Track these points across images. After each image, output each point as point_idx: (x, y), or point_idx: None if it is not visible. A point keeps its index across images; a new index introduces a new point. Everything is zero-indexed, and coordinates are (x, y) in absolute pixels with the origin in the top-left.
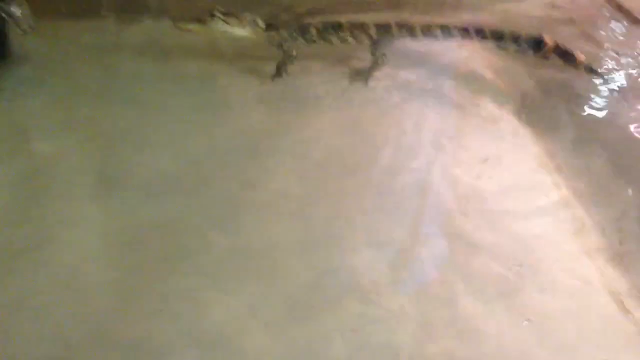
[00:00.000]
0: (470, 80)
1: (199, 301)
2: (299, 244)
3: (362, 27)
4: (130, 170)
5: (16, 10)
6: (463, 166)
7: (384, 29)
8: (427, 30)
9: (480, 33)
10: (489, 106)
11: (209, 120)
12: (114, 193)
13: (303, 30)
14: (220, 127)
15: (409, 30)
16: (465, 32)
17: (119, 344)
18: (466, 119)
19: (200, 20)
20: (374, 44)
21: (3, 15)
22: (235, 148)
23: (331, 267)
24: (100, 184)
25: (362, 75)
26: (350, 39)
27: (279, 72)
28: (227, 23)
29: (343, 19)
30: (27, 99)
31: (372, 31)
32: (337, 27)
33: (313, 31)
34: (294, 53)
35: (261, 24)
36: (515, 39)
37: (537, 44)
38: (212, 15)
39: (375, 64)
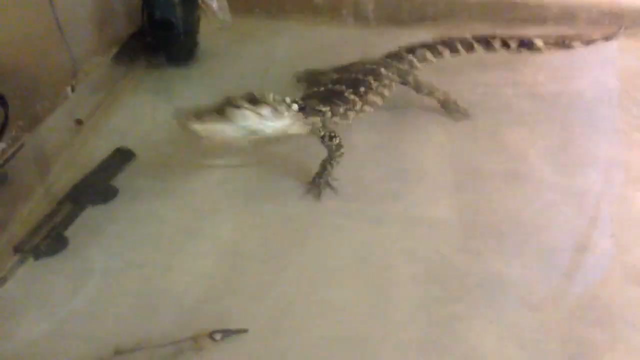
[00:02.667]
0: None
1: None
2: None
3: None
4: None
5: (213, 2)
6: None
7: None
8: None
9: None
10: None
11: None
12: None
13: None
14: None
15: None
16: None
17: None
18: None
19: (215, 114)
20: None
21: (201, 5)
22: None
23: None
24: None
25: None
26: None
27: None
28: (259, 114)
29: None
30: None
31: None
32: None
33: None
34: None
35: (294, 106)
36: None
37: None
38: (237, 106)
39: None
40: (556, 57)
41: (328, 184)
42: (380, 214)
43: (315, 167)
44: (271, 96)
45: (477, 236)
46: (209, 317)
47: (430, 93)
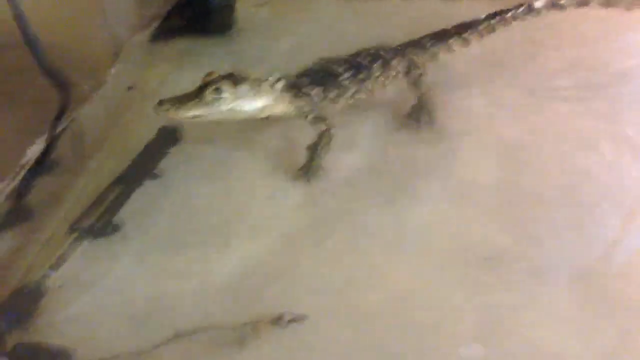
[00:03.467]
0: None
1: None
2: None
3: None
4: None
5: None
6: None
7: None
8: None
9: None
10: None
11: None
12: None
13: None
14: None
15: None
16: None
17: None
18: None
19: (193, 99)
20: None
21: None
22: None
23: None
24: None
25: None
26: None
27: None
28: (238, 95)
29: None
30: None
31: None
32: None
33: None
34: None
35: (278, 84)
36: None
37: None
38: (216, 89)
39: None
40: None
41: (319, 168)
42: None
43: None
44: (253, 75)
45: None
46: (266, 301)
47: (422, 95)
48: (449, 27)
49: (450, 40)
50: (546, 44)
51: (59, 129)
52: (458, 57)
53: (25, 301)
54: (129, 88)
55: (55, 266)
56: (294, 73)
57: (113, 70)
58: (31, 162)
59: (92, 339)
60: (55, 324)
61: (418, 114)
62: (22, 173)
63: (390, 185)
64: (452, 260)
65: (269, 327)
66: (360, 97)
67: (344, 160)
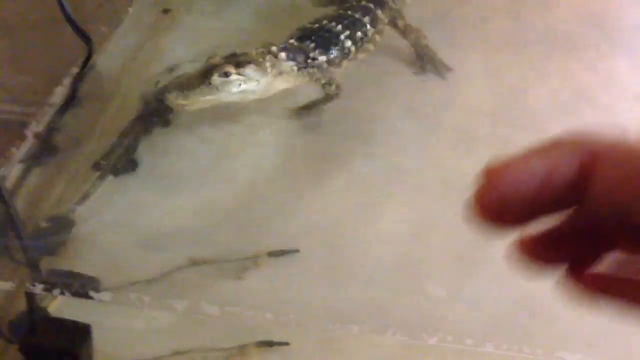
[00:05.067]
0: None
1: None
2: None
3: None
4: None
5: None
6: None
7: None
8: None
9: None
10: None
11: None
12: None
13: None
14: None
15: None
16: None
17: None
18: None
19: (199, 84)
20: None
21: None
22: None
23: None
24: None
25: None
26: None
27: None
28: (245, 76)
29: None
30: None
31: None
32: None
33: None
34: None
35: (282, 55)
36: None
37: None
38: (225, 73)
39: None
40: None
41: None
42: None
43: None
44: (254, 51)
45: None
46: (266, 236)
47: (417, 39)
48: None
49: None
50: None
51: (81, 71)
52: None
53: (55, 232)
54: (165, 11)
55: (80, 201)
56: (289, 35)
57: (130, 10)
58: (58, 103)
59: (115, 267)
60: (81, 253)
61: (422, 63)
62: (50, 112)
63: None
64: (441, 195)
65: (266, 259)
66: (360, 58)
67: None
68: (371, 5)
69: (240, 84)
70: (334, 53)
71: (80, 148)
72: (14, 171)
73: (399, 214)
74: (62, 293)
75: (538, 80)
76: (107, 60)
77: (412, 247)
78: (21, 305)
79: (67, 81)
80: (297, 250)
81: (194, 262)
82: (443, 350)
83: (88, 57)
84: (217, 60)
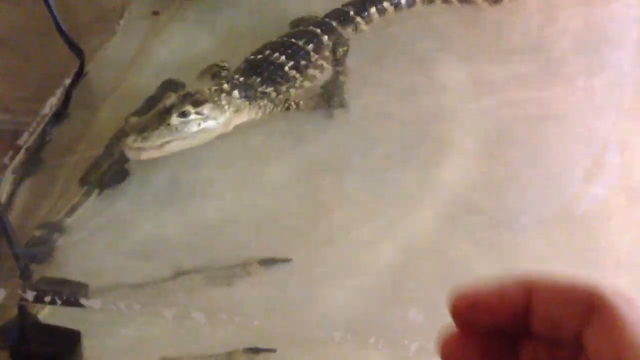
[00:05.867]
0: None
1: None
2: None
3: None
4: None
5: None
6: None
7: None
8: None
9: None
10: None
11: None
12: None
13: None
14: None
15: None
16: None
17: None
18: None
19: (158, 126)
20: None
21: None
22: None
23: None
24: None
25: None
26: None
27: None
28: (203, 116)
29: None
30: None
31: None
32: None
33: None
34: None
35: (235, 93)
36: None
37: None
38: (184, 113)
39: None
40: None
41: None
42: None
43: None
44: (207, 90)
45: None
46: (256, 246)
47: (342, 73)
48: None
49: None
50: None
51: (72, 82)
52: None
53: (44, 242)
54: (155, 13)
55: (69, 213)
56: (235, 70)
57: (122, 22)
58: (49, 113)
59: (104, 275)
60: (70, 261)
61: (331, 95)
62: (42, 123)
63: None
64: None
65: (257, 267)
66: (306, 85)
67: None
68: (318, 31)
69: (199, 123)
70: (280, 84)
71: (69, 158)
72: (4, 181)
73: (389, 226)
74: (52, 301)
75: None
76: (99, 71)
77: (400, 262)
78: (12, 312)
79: (59, 92)
80: (289, 260)
81: (184, 271)
82: None
83: (80, 69)
84: (172, 100)
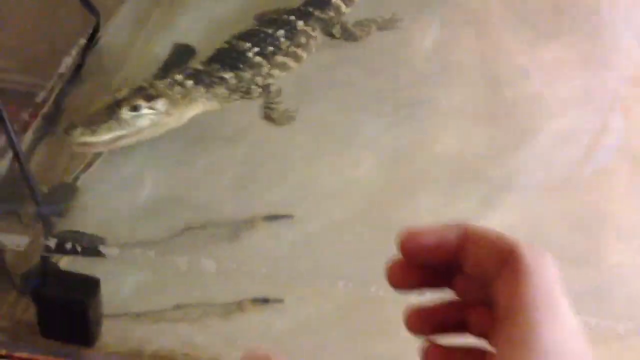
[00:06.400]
0: None
1: None
2: None
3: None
4: None
5: None
6: None
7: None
8: None
9: None
10: None
11: None
12: None
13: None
14: None
15: None
16: None
17: None
18: None
19: (107, 120)
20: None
21: None
22: None
23: None
24: None
25: None
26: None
27: None
28: (156, 110)
29: None
30: None
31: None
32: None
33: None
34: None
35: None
36: None
37: None
38: (135, 107)
39: None
40: None
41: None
42: None
43: None
44: (160, 84)
45: None
46: (259, 202)
47: (367, 34)
48: None
49: None
50: None
51: (88, 42)
52: None
53: (63, 196)
54: None
55: (85, 169)
56: (201, 61)
57: None
58: (65, 74)
59: (117, 230)
60: (85, 218)
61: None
62: (58, 83)
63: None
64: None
65: (261, 222)
66: (276, 74)
67: None
68: (291, 18)
69: (151, 118)
70: (242, 70)
71: None
72: (24, 140)
73: (386, 180)
74: (73, 249)
75: None
76: (113, 33)
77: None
78: (33, 260)
79: (74, 52)
80: (291, 216)
81: (189, 227)
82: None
83: (95, 30)
84: (124, 93)
